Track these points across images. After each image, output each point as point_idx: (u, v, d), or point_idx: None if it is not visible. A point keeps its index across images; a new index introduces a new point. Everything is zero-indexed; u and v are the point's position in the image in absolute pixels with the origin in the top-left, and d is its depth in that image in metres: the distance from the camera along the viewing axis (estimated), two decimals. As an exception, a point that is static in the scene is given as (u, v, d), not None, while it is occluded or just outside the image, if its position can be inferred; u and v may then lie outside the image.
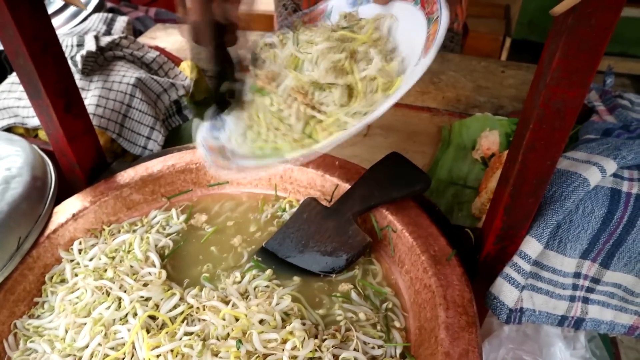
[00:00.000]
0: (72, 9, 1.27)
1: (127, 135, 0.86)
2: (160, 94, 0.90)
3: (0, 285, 0.61)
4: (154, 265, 0.63)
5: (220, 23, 0.60)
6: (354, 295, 0.60)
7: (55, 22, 1.23)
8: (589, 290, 0.66)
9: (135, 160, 0.81)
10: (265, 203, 0.74)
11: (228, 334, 0.53)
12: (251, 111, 0.62)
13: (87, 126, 0.75)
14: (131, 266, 0.62)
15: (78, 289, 0.61)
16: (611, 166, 0.62)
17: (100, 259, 0.64)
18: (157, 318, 0.56)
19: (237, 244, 0.68)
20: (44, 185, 0.69)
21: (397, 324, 0.58)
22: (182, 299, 0.59)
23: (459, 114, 1.05)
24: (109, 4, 1.47)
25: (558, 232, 0.62)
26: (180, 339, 0.53)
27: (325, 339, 0.53)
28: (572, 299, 0.65)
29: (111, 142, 0.86)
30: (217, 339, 0.53)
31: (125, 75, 0.87)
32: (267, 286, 0.60)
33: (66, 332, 0.57)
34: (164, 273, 0.61)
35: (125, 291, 0.59)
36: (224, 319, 0.54)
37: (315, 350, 0.52)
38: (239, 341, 0.51)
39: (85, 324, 0.56)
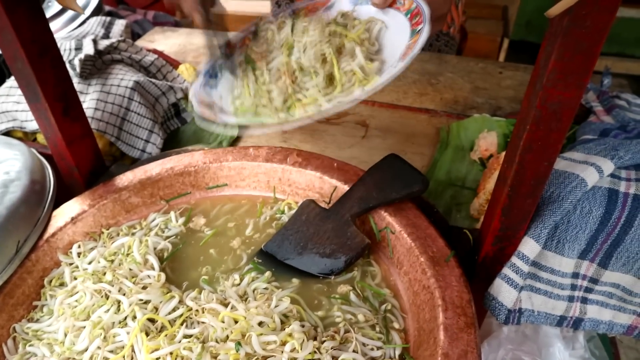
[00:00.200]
0: (70, 13, 1.27)
1: (126, 139, 0.86)
2: (159, 97, 0.91)
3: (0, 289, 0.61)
4: (153, 268, 0.63)
5: None
6: (352, 296, 0.60)
7: (54, 25, 1.23)
8: (588, 290, 0.66)
9: (134, 163, 0.81)
10: (264, 205, 0.74)
11: (227, 337, 0.53)
12: (243, 80, 0.70)
13: (85, 130, 0.75)
14: (130, 269, 0.62)
15: (77, 292, 0.61)
16: (608, 166, 0.62)
17: (99, 262, 0.64)
18: (156, 321, 0.56)
19: (236, 247, 0.68)
20: (42, 188, 0.69)
21: (396, 325, 0.58)
22: (181, 301, 0.59)
23: (457, 115, 1.05)
24: (107, 8, 1.48)
25: (556, 233, 0.62)
26: (180, 341, 0.53)
27: (324, 341, 0.53)
28: (571, 299, 0.66)
29: (110, 145, 0.87)
30: (216, 342, 0.53)
31: (123, 78, 0.87)
32: (266, 288, 0.60)
33: (65, 335, 0.57)
34: (163, 276, 0.61)
35: (124, 294, 0.59)
36: (223, 322, 0.54)
37: (315, 352, 0.52)
38: (238, 343, 0.51)
39: (84, 327, 0.56)
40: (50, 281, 0.65)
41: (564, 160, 0.65)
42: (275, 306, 0.56)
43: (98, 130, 0.83)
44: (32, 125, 0.85)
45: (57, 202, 0.71)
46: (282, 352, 0.51)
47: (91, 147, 0.77)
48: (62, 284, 0.64)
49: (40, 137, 0.89)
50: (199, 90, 0.73)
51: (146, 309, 0.57)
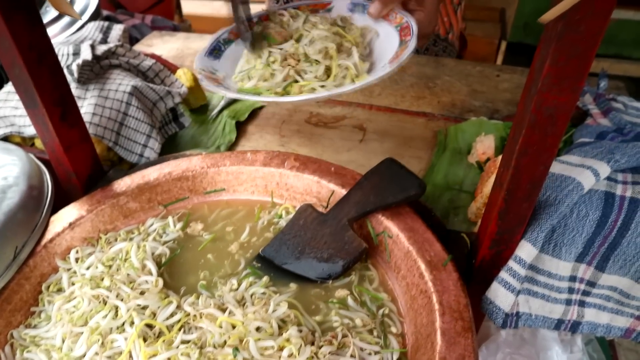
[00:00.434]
0: (68, 18, 1.27)
1: (124, 144, 0.86)
2: (157, 102, 0.91)
3: (-3, 295, 0.61)
4: (151, 274, 0.63)
5: None
6: (350, 301, 0.61)
7: (52, 30, 1.23)
8: (585, 293, 0.66)
9: (132, 168, 0.81)
10: (262, 210, 0.74)
11: (225, 342, 0.53)
12: (256, 62, 0.79)
13: (83, 135, 0.75)
14: (128, 274, 0.62)
15: (75, 297, 0.61)
16: (605, 170, 0.62)
17: (97, 267, 0.64)
18: (154, 326, 0.56)
19: (234, 251, 0.68)
20: (40, 194, 0.69)
21: (393, 330, 0.58)
22: (179, 307, 0.59)
23: (454, 118, 1.05)
24: (105, 12, 1.48)
25: (553, 236, 0.62)
26: (177, 347, 0.54)
27: (322, 346, 0.54)
28: (568, 302, 0.66)
29: (107, 150, 0.87)
30: (214, 347, 0.53)
31: (121, 83, 0.87)
32: (263, 293, 0.61)
33: (63, 341, 0.57)
34: (160, 281, 0.61)
35: (122, 300, 0.59)
36: (220, 327, 0.55)
37: (312, 357, 0.52)
38: (236, 349, 0.51)
39: (82, 333, 0.56)
40: (48, 287, 0.65)
41: (560, 163, 0.65)
42: (273, 311, 0.56)
43: (96, 135, 0.83)
44: (30, 130, 0.85)
45: (55, 207, 0.71)
46: (280, 357, 0.51)
47: (89, 152, 0.77)
48: (59, 290, 0.64)
49: (38, 142, 0.89)
50: (202, 58, 0.82)
51: (144, 314, 0.57)
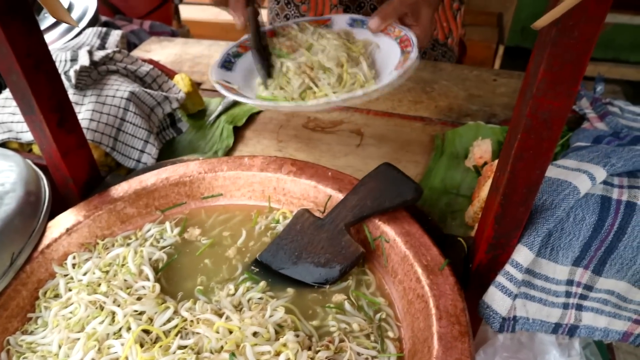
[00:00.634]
0: (65, 24, 1.28)
1: (121, 149, 0.86)
2: (154, 107, 0.91)
3: (-6, 301, 0.61)
4: (148, 279, 0.63)
5: None
6: (347, 306, 0.61)
7: (50, 36, 1.24)
8: (582, 297, 0.66)
9: (130, 173, 0.81)
10: (259, 215, 0.74)
11: (222, 347, 0.53)
12: (273, 71, 0.83)
13: (80, 141, 0.75)
14: (125, 280, 0.62)
15: (72, 303, 0.61)
16: (601, 174, 0.62)
17: (94, 273, 0.64)
18: (151, 332, 0.56)
19: (231, 256, 0.68)
20: (37, 200, 0.69)
21: (390, 334, 0.58)
22: (176, 312, 0.59)
23: (451, 122, 1.05)
24: (103, 18, 1.48)
25: (550, 240, 0.62)
26: (174, 352, 0.53)
27: (319, 351, 0.54)
28: (566, 306, 0.66)
29: (105, 155, 0.87)
30: (211, 352, 0.53)
31: (118, 89, 0.88)
32: (260, 298, 0.60)
33: (59, 347, 0.56)
34: (157, 286, 0.61)
35: (119, 305, 0.59)
36: (217, 332, 0.54)
37: (309, 362, 0.52)
38: (233, 354, 0.51)
39: (78, 339, 0.56)
40: (45, 293, 0.64)
41: (556, 167, 0.65)
42: (270, 316, 0.56)
43: (93, 140, 0.83)
44: (28, 136, 0.85)
45: (53, 213, 0.71)
46: (277, 362, 0.51)
47: (86, 158, 0.77)
48: (56, 296, 0.64)
49: (36, 148, 0.89)
50: (217, 70, 0.86)
51: (141, 320, 0.57)
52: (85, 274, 0.65)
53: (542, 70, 0.44)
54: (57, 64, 0.92)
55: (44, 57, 0.66)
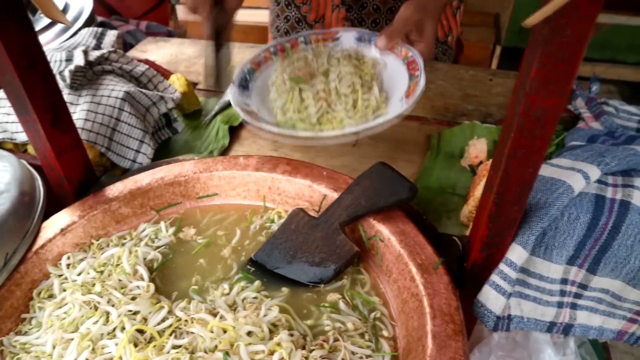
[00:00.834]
0: (61, 24, 1.27)
1: (116, 149, 0.86)
2: (150, 107, 0.91)
3: (-13, 302, 0.61)
4: (143, 279, 0.63)
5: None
6: (342, 305, 0.61)
7: (45, 37, 1.23)
8: (577, 296, 0.66)
9: (125, 173, 0.81)
10: (254, 214, 0.74)
11: (216, 346, 0.53)
12: (288, 94, 0.85)
13: (75, 141, 0.75)
14: (119, 280, 0.62)
15: (66, 304, 0.61)
16: (595, 173, 0.62)
17: (88, 273, 0.64)
18: (145, 332, 0.56)
19: (226, 256, 0.68)
20: (32, 200, 0.69)
21: (385, 333, 0.58)
22: (170, 312, 0.58)
23: (447, 122, 1.05)
24: (99, 18, 1.48)
25: (544, 239, 0.62)
26: (168, 352, 0.53)
27: (313, 350, 0.54)
28: (560, 305, 0.66)
29: (100, 156, 0.87)
30: (205, 352, 0.53)
31: (114, 89, 0.87)
32: (255, 297, 0.60)
33: (53, 347, 0.56)
34: (152, 286, 0.61)
35: (113, 305, 0.58)
36: (212, 332, 0.54)
37: (303, 361, 0.52)
38: (226, 353, 0.51)
39: (72, 339, 0.56)
40: (39, 293, 0.64)
41: (550, 166, 0.66)
42: (264, 315, 0.56)
43: (88, 140, 0.83)
44: (23, 136, 0.85)
45: (47, 213, 0.71)
46: (271, 361, 0.51)
47: (81, 158, 0.77)
48: (51, 296, 0.64)
49: (31, 149, 0.89)
50: (238, 99, 0.86)
51: (135, 320, 0.57)
52: (79, 274, 0.64)
53: (534, 69, 0.44)
54: (52, 64, 0.91)
55: (38, 57, 0.66)
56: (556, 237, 0.62)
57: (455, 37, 1.42)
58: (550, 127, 0.48)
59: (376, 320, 0.59)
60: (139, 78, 0.96)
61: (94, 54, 0.92)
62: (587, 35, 0.42)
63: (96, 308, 0.59)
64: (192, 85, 1.08)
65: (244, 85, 0.90)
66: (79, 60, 0.88)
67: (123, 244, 0.69)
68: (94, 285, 0.61)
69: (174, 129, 0.97)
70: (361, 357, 0.55)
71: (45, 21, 1.27)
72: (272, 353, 0.52)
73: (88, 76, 0.89)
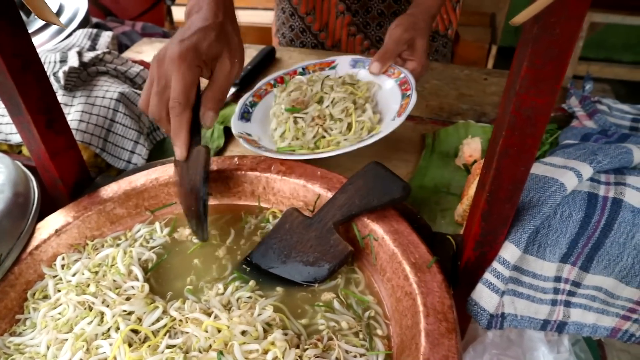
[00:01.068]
0: (55, 26, 1.27)
1: (111, 150, 0.86)
2: (144, 108, 0.91)
3: (-18, 303, 0.61)
4: (137, 279, 0.63)
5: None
6: (336, 304, 0.61)
7: (40, 38, 1.23)
8: (570, 293, 0.66)
9: (120, 174, 0.81)
10: (249, 214, 0.74)
11: (210, 346, 0.53)
12: (286, 123, 0.91)
13: (69, 142, 0.75)
14: (114, 280, 0.62)
15: (60, 304, 0.61)
16: (587, 171, 0.63)
17: (83, 274, 0.64)
18: (140, 332, 0.56)
19: (221, 256, 0.68)
20: (26, 201, 0.69)
21: (379, 332, 0.58)
22: (165, 312, 0.59)
23: (442, 121, 1.06)
24: (94, 20, 1.48)
25: (537, 237, 0.62)
26: (163, 352, 0.54)
27: (307, 349, 0.54)
28: (554, 302, 0.66)
29: (95, 156, 0.87)
30: (199, 351, 0.53)
31: (108, 90, 0.87)
32: (249, 297, 0.61)
33: (48, 348, 0.56)
34: (146, 286, 0.61)
35: (107, 306, 0.59)
36: (206, 331, 0.54)
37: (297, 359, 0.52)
38: (220, 353, 0.51)
39: (67, 339, 0.56)
40: (34, 294, 0.64)
41: (543, 165, 0.66)
42: (258, 315, 0.56)
43: (83, 141, 0.83)
44: (17, 138, 0.85)
45: (42, 214, 0.71)
46: (264, 360, 0.51)
47: (75, 159, 0.77)
48: (45, 297, 0.64)
49: (25, 150, 0.89)
50: (239, 129, 0.92)
51: (129, 320, 0.57)
52: (74, 274, 0.65)
53: (524, 68, 0.44)
54: (46, 65, 0.91)
55: (31, 58, 0.66)
56: (549, 235, 0.62)
57: (455, 30, 1.44)
58: (541, 126, 0.48)
59: (370, 319, 0.59)
60: (133, 79, 0.96)
61: (88, 55, 0.92)
62: (576, 34, 0.42)
63: (91, 308, 0.59)
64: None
65: (246, 117, 0.96)
66: (73, 61, 0.89)
67: (118, 245, 0.69)
68: (88, 285, 0.61)
69: (169, 129, 0.97)
70: (355, 356, 0.55)
71: (40, 23, 1.27)
72: (266, 352, 0.52)
73: (82, 77, 0.89)
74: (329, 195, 0.68)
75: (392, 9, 1.31)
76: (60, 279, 0.65)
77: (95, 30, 1.11)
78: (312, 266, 0.63)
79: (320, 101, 0.94)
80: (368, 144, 0.81)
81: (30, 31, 1.00)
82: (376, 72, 0.99)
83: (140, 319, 0.58)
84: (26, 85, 0.66)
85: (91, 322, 0.57)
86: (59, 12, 1.35)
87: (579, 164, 0.64)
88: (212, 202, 0.76)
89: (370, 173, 0.66)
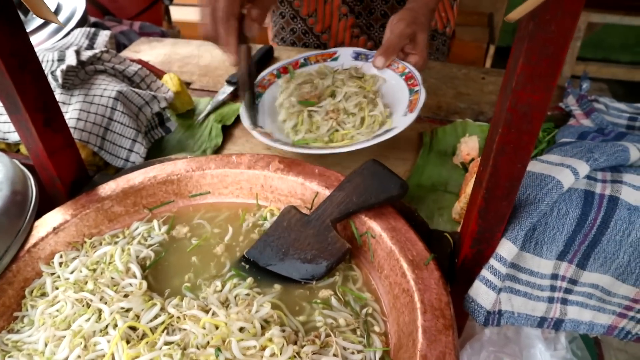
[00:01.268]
0: (54, 25, 1.27)
1: (109, 148, 0.86)
2: (142, 107, 0.91)
3: (-20, 301, 0.61)
4: (135, 277, 0.63)
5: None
6: (334, 301, 0.61)
7: (38, 37, 1.23)
8: (567, 291, 0.67)
9: (118, 172, 0.81)
10: (247, 212, 0.74)
11: (208, 343, 0.53)
12: (298, 117, 0.93)
13: (67, 140, 0.75)
14: (112, 278, 0.62)
15: (58, 302, 0.61)
16: (584, 168, 0.63)
17: (81, 271, 0.64)
18: (138, 329, 0.56)
19: (219, 253, 0.68)
20: (24, 199, 0.69)
21: (376, 329, 0.58)
22: (162, 309, 0.59)
23: (439, 120, 1.06)
24: (92, 19, 1.48)
25: (534, 235, 0.63)
26: (160, 348, 0.54)
27: (305, 345, 0.54)
28: (551, 300, 0.66)
29: (93, 155, 0.87)
30: (197, 348, 0.53)
31: (106, 88, 0.88)
32: (247, 294, 0.61)
33: (45, 345, 0.56)
34: (144, 284, 0.61)
35: (105, 303, 0.59)
36: (204, 328, 0.55)
37: (294, 356, 0.52)
38: (218, 349, 0.51)
39: (64, 336, 0.56)
40: (32, 291, 0.64)
41: (540, 162, 0.66)
42: (256, 312, 0.57)
43: (81, 140, 0.83)
44: (14, 136, 0.85)
45: (40, 212, 0.71)
46: (262, 356, 0.51)
47: (73, 158, 0.77)
48: (43, 294, 0.64)
49: (24, 149, 0.89)
50: (247, 119, 0.94)
51: (127, 317, 0.57)
52: (72, 272, 0.64)
53: (520, 64, 0.45)
54: (43, 64, 0.91)
55: (29, 57, 0.66)
56: (546, 232, 0.62)
57: (453, 28, 1.44)
58: (537, 122, 0.48)
59: (368, 316, 0.60)
60: (131, 78, 0.97)
61: (86, 54, 0.92)
62: (572, 31, 0.42)
63: (88, 306, 0.59)
64: (185, 85, 1.09)
65: (254, 104, 0.98)
66: (71, 60, 0.88)
67: (116, 242, 0.69)
68: (86, 283, 0.61)
69: (167, 128, 0.97)
70: (353, 353, 0.55)
71: (38, 22, 1.27)
72: (263, 349, 0.52)
73: (80, 76, 0.89)
74: (327, 193, 0.69)
75: (395, 10, 1.31)
76: (58, 277, 0.65)
77: (93, 30, 1.10)
78: (309, 263, 0.64)
79: (332, 95, 0.95)
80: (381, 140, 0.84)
81: (27, 30, 1.00)
82: (380, 66, 1.00)
83: (138, 316, 0.58)
84: (24, 83, 0.66)
85: (89, 319, 0.57)
86: (56, 11, 1.35)
87: (576, 162, 0.64)
88: (210, 199, 0.77)
89: (368, 171, 0.66)
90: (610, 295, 0.66)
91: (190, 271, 0.66)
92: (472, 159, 0.88)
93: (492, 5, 3.02)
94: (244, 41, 0.91)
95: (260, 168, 0.74)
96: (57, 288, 0.63)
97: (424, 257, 0.60)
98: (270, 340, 0.52)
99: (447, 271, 0.61)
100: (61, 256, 0.67)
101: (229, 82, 1.16)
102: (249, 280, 0.63)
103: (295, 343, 0.54)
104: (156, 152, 0.96)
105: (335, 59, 1.09)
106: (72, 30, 1.23)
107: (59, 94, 0.87)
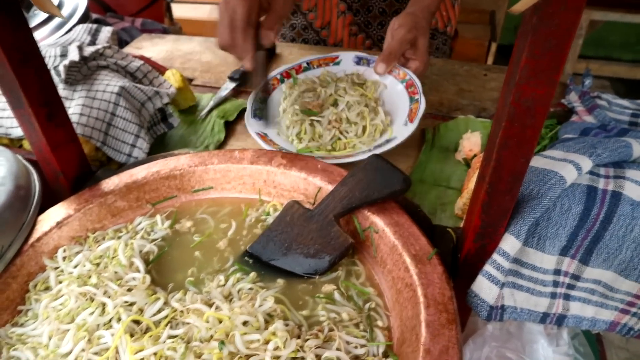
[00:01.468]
0: (56, 21, 1.27)
1: (112, 144, 0.86)
2: (145, 102, 0.91)
3: (-16, 295, 0.61)
4: (138, 271, 0.63)
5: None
6: (337, 296, 0.61)
7: (40, 33, 1.23)
8: (570, 286, 0.67)
9: (120, 167, 0.81)
10: (250, 207, 0.74)
11: (211, 336, 0.54)
12: (301, 125, 0.94)
13: (70, 135, 0.75)
14: (115, 272, 0.62)
15: (62, 295, 0.61)
16: (587, 164, 0.63)
17: (84, 265, 0.64)
18: (141, 322, 0.56)
19: (222, 248, 0.69)
20: (27, 194, 0.69)
21: (379, 323, 0.58)
22: (166, 303, 0.59)
23: (442, 117, 1.06)
24: (94, 15, 1.48)
25: (537, 230, 0.63)
26: (164, 342, 0.54)
27: (308, 339, 0.54)
28: (553, 295, 0.66)
29: (96, 150, 0.87)
30: (201, 342, 0.54)
31: (109, 84, 0.88)
32: (250, 289, 0.61)
33: (49, 338, 0.57)
34: (148, 278, 0.61)
35: (109, 297, 0.59)
36: (207, 322, 0.55)
37: (298, 350, 0.52)
38: (222, 342, 0.51)
39: (68, 330, 0.56)
40: (35, 285, 0.65)
41: (543, 158, 0.66)
42: (260, 306, 0.57)
43: (84, 135, 0.83)
44: (18, 131, 0.85)
45: (44, 207, 0.71)
46: (266, 350, 0.52)
47: (76, 153, 0.77)
48: (47, 288, 0.64)
49: (26, 144, 0.89)
50: (257, 129, 0.96)
51: (131, 310, 0.57)
52: (75, 266, 0.65)
53: (524, 58, 0.45)
54: (46, 59, 0.92)
55: (32, 52, 0.66)
56: (549, 227, 0.62)
57: (454, 27, 1.44)
58: (540, 117, 0.48)
59: (371, 311, 0.60)
60: (134, 73, 0.97)
61: (88, 50, 0.92)
62: (576, 25, 0.42)
63: (92, 299, 0.59)
64: (187, 81, 1.09)
65: (259, 115, 0.99)
66: (73, 55, 0.89)
67: (119, 237, 0.69)
68: (90, 277, 0.62)
69: (169, 123, 0.97)
70: (356, 347, 0.55)
71: (40, 18, 1.27)
72: (267, 342, 0.52)
73: (83, 71, 0.89)
74: (330, 188, 0.69)
75: (393, 7, 1.31)
76: (62, 271, 0.65)
77: (95, 26, 1.10)
78: (312, 258, 0.64)
79: (334, 104, 0.97)
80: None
81: (30, 26, 1.00)
82: (381, 73, 1.02)
83: (141, 310, 0.58)
84: (27, 77, 0.66)
85: (93, 312, 0.57)
86: (58, 8, 1.35)
87: (579, 157, 0.64)
88: (213, 195, 0.77)
89: (371, 166, 0.66)
90: (613, 291, 0.66)
91: (194, 265, 0.66)
92: (475, 155, 0.88)
93: (494, 3, 3.02)
94: (259, 49, 0.94)
95: (263, 163, 0.74)
96: (60, 282, 0.63)
97: (427, 252, 0.60)
98: (274, 334, 0.53)
99: (450, 266, 0.61)
100: (64, 250, 0.67)
101: (231, 79, 1.16)
102: (252, 274, 0.63)
103: (298, 337, 0.54)
104: (159, 147, 0.96)
105: (338, 63, 1.10)
106: (74, 26, 1.23)
107: (61, 89, 0.87)
